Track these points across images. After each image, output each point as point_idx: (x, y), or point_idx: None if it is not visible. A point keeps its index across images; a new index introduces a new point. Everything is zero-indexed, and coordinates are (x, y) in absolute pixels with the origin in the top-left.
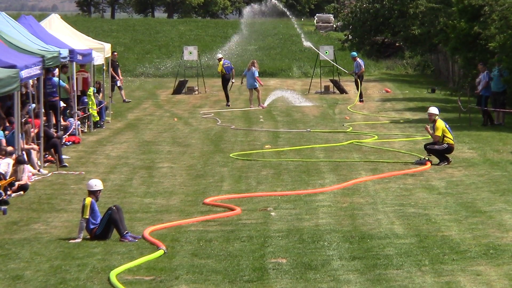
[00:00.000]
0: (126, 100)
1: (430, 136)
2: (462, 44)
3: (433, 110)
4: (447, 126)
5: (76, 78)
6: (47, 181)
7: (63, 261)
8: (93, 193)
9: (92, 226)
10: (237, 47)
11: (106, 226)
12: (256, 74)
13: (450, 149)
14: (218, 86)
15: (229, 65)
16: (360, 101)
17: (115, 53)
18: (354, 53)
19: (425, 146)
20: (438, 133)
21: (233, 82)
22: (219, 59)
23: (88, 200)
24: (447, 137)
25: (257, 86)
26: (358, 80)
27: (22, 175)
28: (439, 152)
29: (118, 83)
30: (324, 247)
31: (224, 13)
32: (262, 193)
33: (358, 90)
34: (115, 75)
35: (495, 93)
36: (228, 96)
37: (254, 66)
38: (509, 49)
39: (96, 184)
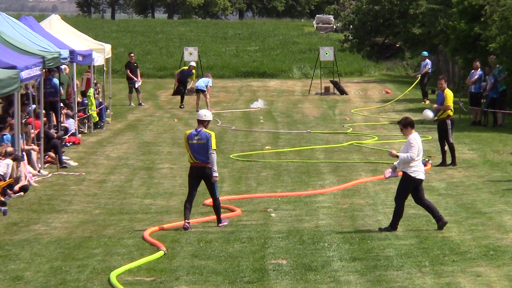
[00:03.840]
0: (142, 103)
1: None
2: (462, 45)
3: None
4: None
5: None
6: (47, 182)
7: (63, 262)
8: (202, 123)
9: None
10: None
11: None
12: (210, 83)
13: (453, 123)
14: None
15: None
16: (424, 100)
17: (132, 55)
18: (425, 53)
19: (443, 139)
20: (450, 102)
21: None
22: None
23: (213, 133)
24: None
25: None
26: (420, 78)
27: (20, 172)
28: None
29: (136, 85)
30: (324, 248)
31: (224, 13)
32: (262, 194)
33: (422, 89)
34: (132, 77)
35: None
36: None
37: (208, 77)
38: (509, 50)
39: (202, 113)
